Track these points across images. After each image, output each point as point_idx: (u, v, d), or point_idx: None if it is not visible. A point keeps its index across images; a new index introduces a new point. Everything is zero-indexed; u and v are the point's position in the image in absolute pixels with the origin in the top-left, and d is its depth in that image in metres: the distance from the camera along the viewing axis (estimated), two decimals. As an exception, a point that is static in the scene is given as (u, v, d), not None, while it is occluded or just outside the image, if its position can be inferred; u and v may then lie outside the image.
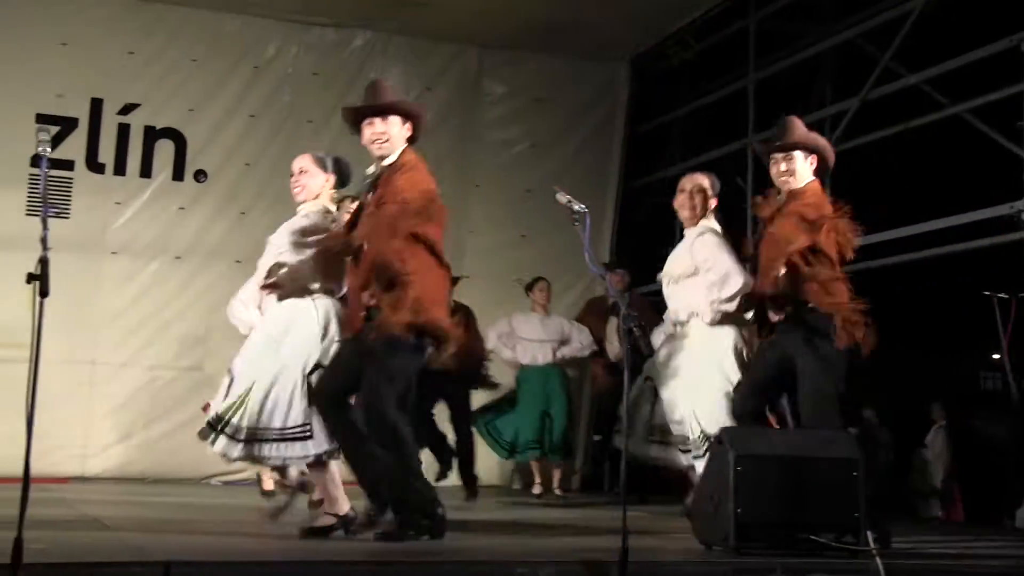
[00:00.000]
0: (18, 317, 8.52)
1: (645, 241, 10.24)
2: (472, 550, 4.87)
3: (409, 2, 9.56)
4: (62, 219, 9.00)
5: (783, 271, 5.36)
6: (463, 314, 8.70)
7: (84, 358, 9.29)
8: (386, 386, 4.81)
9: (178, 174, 9.80)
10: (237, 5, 9.76)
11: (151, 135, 9.75)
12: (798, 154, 5.54)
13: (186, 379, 9.56)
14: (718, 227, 6.11)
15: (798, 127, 5.64)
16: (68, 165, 9.38)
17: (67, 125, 9.40)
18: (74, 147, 9.43)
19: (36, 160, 9.27)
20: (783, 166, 5.55)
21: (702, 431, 5.68)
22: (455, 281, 6.89)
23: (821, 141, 5.74)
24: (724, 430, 4.77)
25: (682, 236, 6.35)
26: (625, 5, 9.60)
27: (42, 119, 9.23)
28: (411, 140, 5.35)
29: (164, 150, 9.78)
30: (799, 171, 5.52)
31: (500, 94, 10.75)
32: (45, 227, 4.10)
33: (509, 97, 10.76)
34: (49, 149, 4.45)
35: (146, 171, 9.73)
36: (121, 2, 9.56)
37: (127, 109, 9.68)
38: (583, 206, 4.71)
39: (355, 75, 10.13)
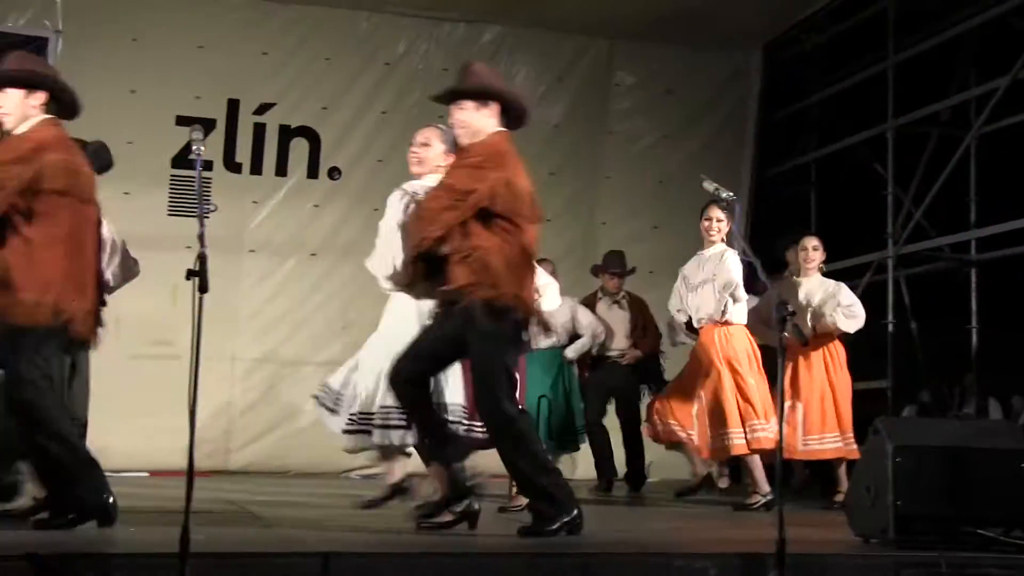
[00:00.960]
0: (164, 315, 8.84)
1: (780, 230, 9.98)
2: (624, 543, 4.79)
3: (540, -6, 9.65)
4: (204, 219, 9.17)
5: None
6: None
7: (224, 354, 9.47)
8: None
9: (312, 172, 9.93)
10: (369, 3, 9.84)
11: (286, 134, 9.90)
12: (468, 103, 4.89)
13: (324, 374, 9.64)
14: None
15: (475, 73, 5.02)
16: (207, 165, 9.49)
17: (205, 126, 9.49)
18: (212, 148, 9.55)
19: (176, 161, 9.58)
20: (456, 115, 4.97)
21: None
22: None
23: (499, 85, 5.07)
24: (881, 421, 4.58)
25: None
26: None
27: (181, 121, 9.48)
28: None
29: (299, 148, 9.93)
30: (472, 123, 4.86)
31: (630, 85, 10.66)
32: (202, 225, 4.27)
33: (639, 88, 10.66)
34: (203, 148, 4.56)
35: (281, 170, 9.90)
36: (255, 5, 9.69)
37: (262, 109, 9.84)
38: (731, 193, 4.61)
39: (486, 69, 10.31)
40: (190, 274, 4.06)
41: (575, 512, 4.59)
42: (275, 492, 7.78)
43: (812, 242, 7.60)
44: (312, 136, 9.92)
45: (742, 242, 6.37)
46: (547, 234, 10.08)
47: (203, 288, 4.04)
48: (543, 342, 8.16)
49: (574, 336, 8.16)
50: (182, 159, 9.54)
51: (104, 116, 9.25)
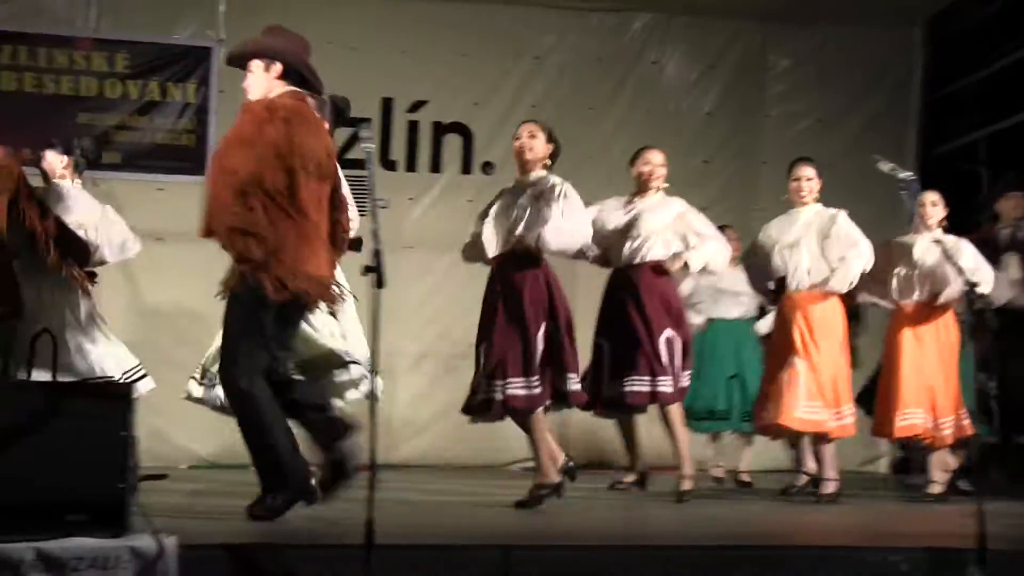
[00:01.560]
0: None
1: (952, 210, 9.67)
2: (806, 533, 4.83)
3: (690, -21, 9.60)
4: (361, 216, 9.35)
5: None
6: None
7: (384, 349, 9.55)
8: None
9: (466, 167, 10.00)
10: None
11: (439, 130, 9.99)
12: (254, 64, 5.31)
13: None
14: None
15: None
16: (364, 164, 9.72)
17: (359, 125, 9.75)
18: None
19: (356, 160, 9.74)
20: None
21: None
22: None
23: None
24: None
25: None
26: None
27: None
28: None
29: (452, 144, 10.01)
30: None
31: (784, 68, 10.44)
32: (375, 220, 4.29)
33: (794, 70, 10.43)
34: (373, 147, 4.69)
35: (435, 166, 9.99)
36: (406, 5, 9.71)
37: (415, 107, 9.93)
38: (910, 173, 4.47)
39: (635, 59, 10.21)
40: (367, 270, 4.14)
41: (300, 492, 4.86)
42: (440, 486, 7.84)
43: (931, 197, 7.17)
44: (465, 132, 9.99)
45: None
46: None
47: (380, 284, 4.12)
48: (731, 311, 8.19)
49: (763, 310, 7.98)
50: (340, 158, 9.69)
51: (263, 119, 9.70)
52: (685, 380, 6.71)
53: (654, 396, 6.57)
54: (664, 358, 6.55)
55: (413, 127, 9.90)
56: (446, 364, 9.66)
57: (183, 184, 9.37)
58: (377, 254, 4.11)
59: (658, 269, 6.79)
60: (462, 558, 3.90)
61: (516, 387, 6.03)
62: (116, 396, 4.00)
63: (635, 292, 6.78)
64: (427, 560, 3.89)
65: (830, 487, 6.75)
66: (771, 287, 7.07)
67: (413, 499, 6.45)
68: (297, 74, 5.44)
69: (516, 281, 6.30)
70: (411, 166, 9.91)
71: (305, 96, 5.42)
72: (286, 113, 5.05)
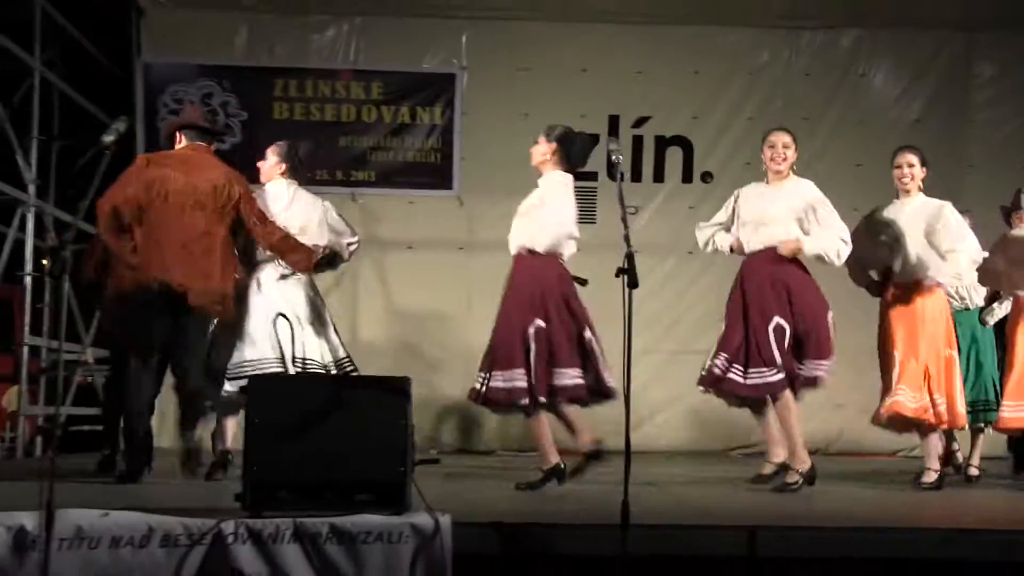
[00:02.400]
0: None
1: None
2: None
3: (898, -5, 9.38)
4: (589, 224, 10.04)
5: None
6: None
7: (615, 345, 10.22)
8: None
9: (687, 177, 10.32)
10: (733, 18, 10.08)
11: (661, 144, 10.34)
12: None
13: (701, 361, 10.30)
14: None
15: None
16: (593, 176, 10.22)
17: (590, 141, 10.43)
18: (597, 160, 10.35)
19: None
20: None
21: None
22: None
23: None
24: None
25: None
26: None
27: (569, 138, 10.44)
28: None
29: (673, 156, 10.34)
30: None
31: (990, 75, 10.40)
32: (626, 227, 4.49)
33: (999, 76, 10.40)
34: (620, 157, 4.97)
35: (658, 176, 10.36)
36: (631, 29, 10.11)
37: (639, 122, 10.30)
38: None
39: (844, 72, 10.40)
40: (619, 272, 4.30)
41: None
42: (672, 470, 8.10)
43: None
44: (685, 144, 10.31)
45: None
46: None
47: (633, 284, 4.23)
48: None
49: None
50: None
51: (502, 137, 9.97)
52: (807, 370, 6.18)
53: (760, 387, 6.17)
54: (772, 348, 6.10)
55: (638, 141, 10.25)
56: (669, 359, 10.08)
57: (431, 198, 10.14)
58: (630, 257, 4.25)
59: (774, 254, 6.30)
60: (710, 539, 3.98)
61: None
62: (396, 389, 4.19)
63: (751, 280, 6.39)
64: (678, 539, 3.97)
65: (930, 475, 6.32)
66: (874, 277, 6.73)
67: (657, 482, 6.58)
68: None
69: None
70: (636, 177, 10.23)
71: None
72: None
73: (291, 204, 6.65)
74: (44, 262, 8.35)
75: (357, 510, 3.91)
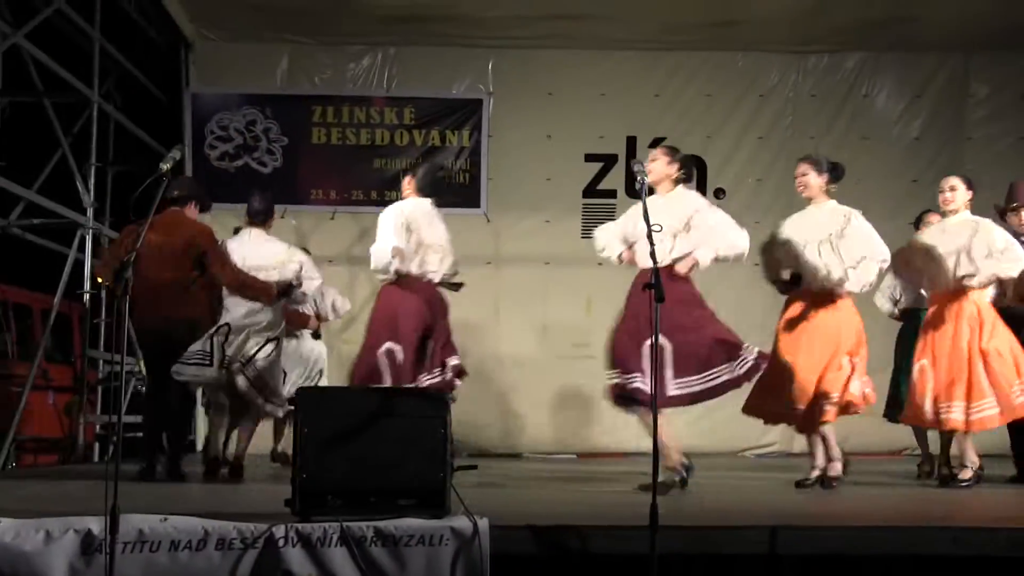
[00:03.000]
0: (580, 321, 9.70)
1: None
2: None
3: (900, 19, 9.44)
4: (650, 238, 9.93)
5: None
6: None
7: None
8: None
9: (701, 193, 10.26)
10: (744, 43, 10.05)
11: None
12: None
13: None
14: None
15: None
16: (611, 194, 10.15)
17: (608, 161, 10.12)
18: (615, 179, 10.18)
19: (587, 192, 10.39)
20: None
21: None
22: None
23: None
24: None
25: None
26: None
27: (589, 158, 10.19)
28: None
29: None
30: None
31: (986, 94, 10.34)
32: (651, 243, 4.33)
33: (995, 95, 10.33)
34: (646, 178, 4.80)
35: None
36: (647, 55, 10.13)
37: (655, 142, 9.87)
38: None
39: (848, 92, 10.35)
40: (646, 286, 4.12)
41: None
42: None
43: (950, 182, 6.45)
44: (699, 162, 10.08)
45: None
46: (911, 236, 10.28)
47: (660, 298, 4.10)
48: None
49: None
50: (591, 190, 10.20)
51: (526, 158, 10.11)
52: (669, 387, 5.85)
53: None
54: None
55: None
56: None
57: (460, 215, 9.82)
58: (656, 273, 4.14)
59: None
60: (733, 538, 3.93)
61: None
62: (436, 400, 4.20)
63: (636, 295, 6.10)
64: (700, 540, 3.92)
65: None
66: (785, 277, 6.46)
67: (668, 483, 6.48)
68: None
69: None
70: (651, 193, 10.41)
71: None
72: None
73: (249, 248, 6.92)
74: (99, 280, 8.40)
75: (400, 514, 3.89)
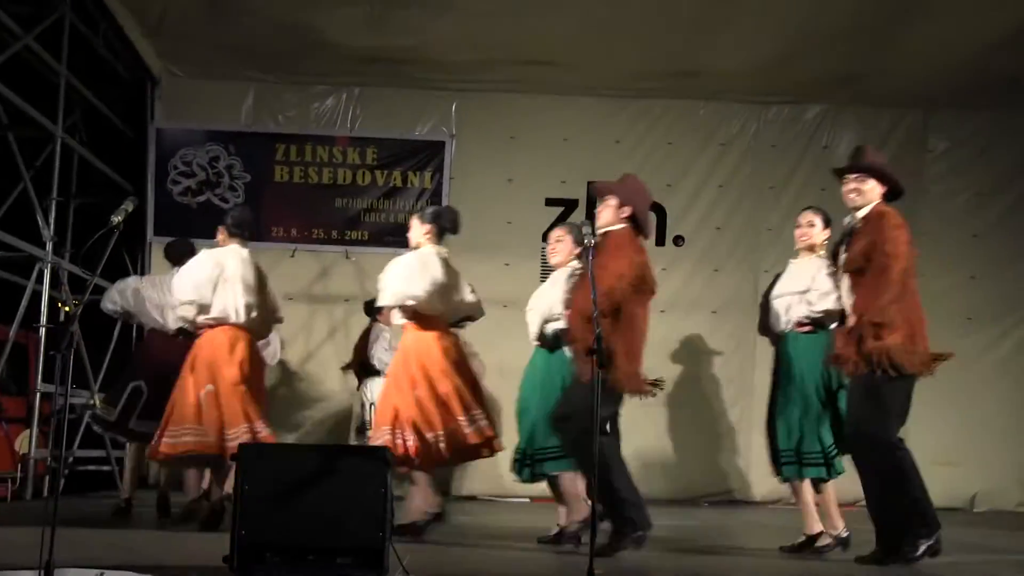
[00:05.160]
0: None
1: None
2: None
3: (860, 74, 9.67)
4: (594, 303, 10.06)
5: None
6: None
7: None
8: None
9: (660, 240, 10.34)
10: (706, 93, 10.22)
11: None
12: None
13: (680, 413, 10.27)
14: None
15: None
16: (586, 254, 10.50)
17: (569, 206, 10.25)
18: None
19: (547, 236, 10.45)
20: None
21: None
22: None
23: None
24: None
25: None
26: None
27: (550, 202, 10.33)
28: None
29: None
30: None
31: (944, 149, 10.54)
32: (596, 307, 4.48)
33: (953, 151, 10.53)
34: (593, 240, 4.97)
35: None
36: (610, 102, 10.30)
37: None
38: None
39: (808, 144, 10.52)
40: (590, 352, 4.32)
41: None
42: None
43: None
44: (659, 209, 10.29)
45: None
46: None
47: (602, 364, 4.25)
48: None
49: None
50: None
51: (487, 201, 10.16)
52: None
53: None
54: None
55: None
56: (643, 411, 10.38)
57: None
58: (599, 338, 4.28)
59: None
60: None
61: None
62: (377, 458, 4.25)
63: None
64: None
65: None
66: None
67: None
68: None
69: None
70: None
71: None
72: None
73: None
74: (66, 308, 8.45)
75: (338, 573, 3.94)
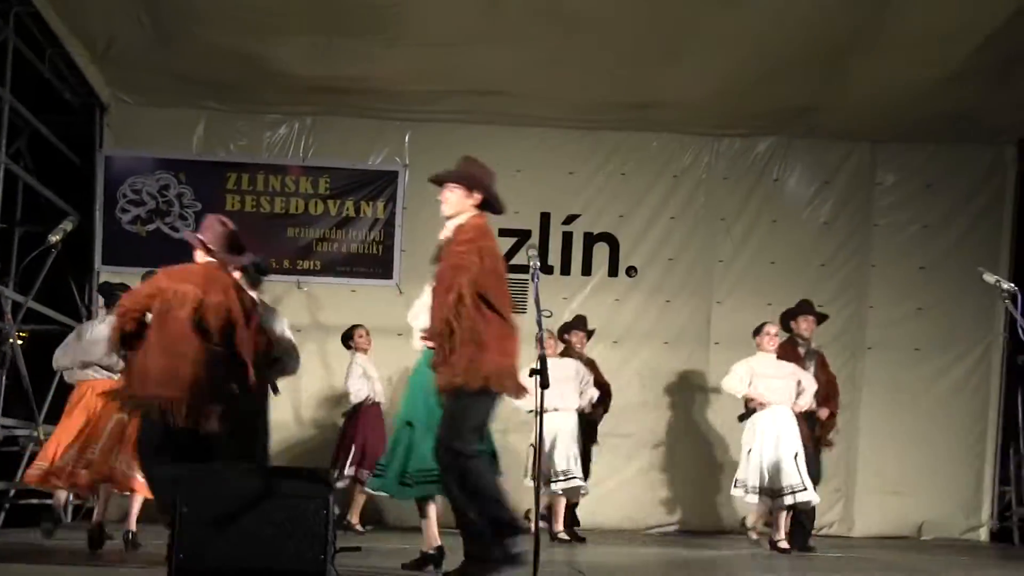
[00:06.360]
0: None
1: None
2: None
3: (810, 109, 9.75)
4: (520, 313, 10.06)
5: None
6: None
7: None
8: None
9: (613, 271, 10.45)
10: (658, 125, 10.26)
11: (589, 239, 10.49)
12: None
13: (628, 443, 10.28)
14: None
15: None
16: (524, 269, 10.32)
17: (522, 237, 10.20)
18: (526, 255, 10.53)
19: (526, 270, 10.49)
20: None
21: None
22: None
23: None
24: None
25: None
26: (1015, 90, 9.25)
27: (503, 233, 10.33)
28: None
29: (600, 251, 10.48)
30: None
31: (892, 182, 10.62)
32: (540, 328, 4.51)
33: (901, 184, 10.62)
34: (537, 262, 5.02)
35: (586, 270, 10.47)
36: (563, 134, 10.31)
37: (570, 219, 10.46)
38: (1012, 285, 4.88)
39: (760, 176, 10.60)
40: (532, 372, 4.31)
41: None
42: (605, 548, 8.22)
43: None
44: (612, 240, 10.45)
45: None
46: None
47: (544, 384, 4.25)
48: None
49: None
50: (506, 265, 10.53)
51: (440, 231, 10.31)
52: None
53: None
54: None
55: (567, 237, 10.41)
56: (600, 441, 10.28)
57: (372, 286, 10.17)
58: (542, 360, 4.28)
59: None
60: None
61: None
62: (319, 480, 4.21)
63: None
64: None
65: None
66: None
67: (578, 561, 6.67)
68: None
69: None
70: (565, 270, 10.38)
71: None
72: None
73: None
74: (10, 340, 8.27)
75: (279, 596, 3.76)
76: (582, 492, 8.69)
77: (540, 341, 4.41)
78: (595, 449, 9.32)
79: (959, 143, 10.55)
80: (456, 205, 5.18)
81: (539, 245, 10.37)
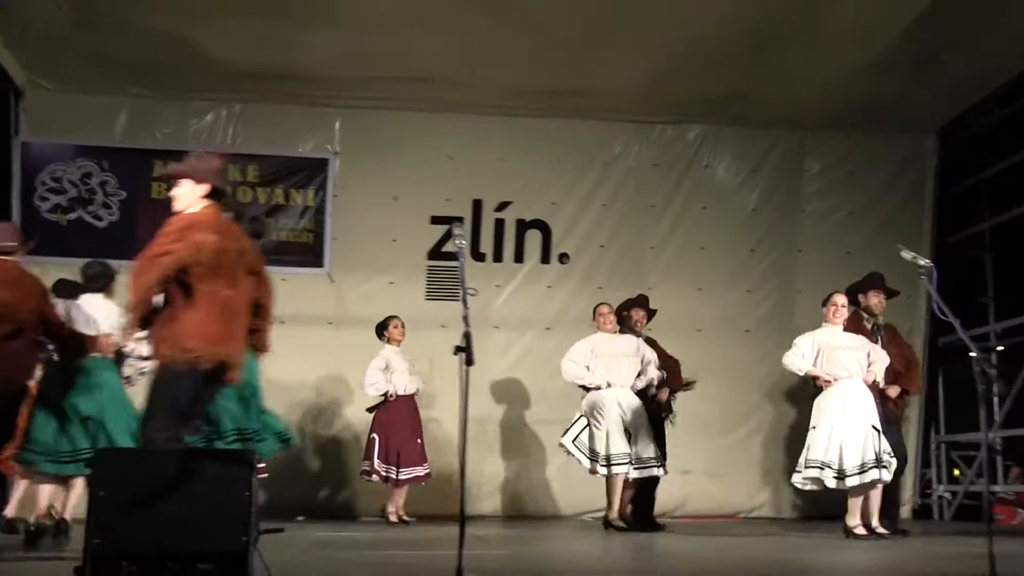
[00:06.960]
0: (424, 383, 9.61)
1: (961, 292, 10.01)
2: None
3: (737, 97, 9.81)
4: (453, 301, 10.01)
5: None
6: None
7: (475, 415, 10.21)
8: None
9: (545, 258, 10.43)
10: (589, 113, 10.24)
11: (522, 227, 10.46)
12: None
13: (559, 431, 10.34)
14: None
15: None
16: (456, 257, 10.41)
17: (454, 223, 10.44)
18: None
19: (432, 254, 10.37)
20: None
21: None
22: None
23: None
24: None
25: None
26: (935, 81, 9.42)
27: (435, 220, 10.20)
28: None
29: (533, 239, 10.46)
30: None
31: (818, 169, 10.75)
32: (466, 307, 4.48)
33: (827, 172, 10.75)
34: (465, 243, 5.00)
35: (519, 257, 10.44)
36: (494, 119, 10.21)
37: (502, 206, 10.41)
38: (928, 260, 4.94)
39: (690, 164, 10.66)
40: (457, 350, 4.26)
41: None
42: (528, 533, 8.23)
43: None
44: (544, 228, 10.44)
45: (941, 305, 5.24)
46: (748, 303, 10.60)
47: (469, 362, 4.25)
48: None
49: None
50: (437, 252, 10.20)
51: (372, 219, 10.08)
52: None
53: None
54: None
55: (500, 224, 10.36)
56: (528, 429, 10.18)
57: (303, 276, 9.97)
58: (467, 336, 4.24)
59: None
60: None
61: None
62: (241, 461, 4.13)
63: None
64: None
65: None
66: None
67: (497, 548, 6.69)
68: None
69: None
70: (498, 257, 10.34)
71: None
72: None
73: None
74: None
75: (199, 579, 3.69)
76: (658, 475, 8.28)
77: (465, 319, 4.35)
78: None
79: (883, 132, 10.68)
80: (185, 199, 5.07)
81: (471, 232, 10.30)
